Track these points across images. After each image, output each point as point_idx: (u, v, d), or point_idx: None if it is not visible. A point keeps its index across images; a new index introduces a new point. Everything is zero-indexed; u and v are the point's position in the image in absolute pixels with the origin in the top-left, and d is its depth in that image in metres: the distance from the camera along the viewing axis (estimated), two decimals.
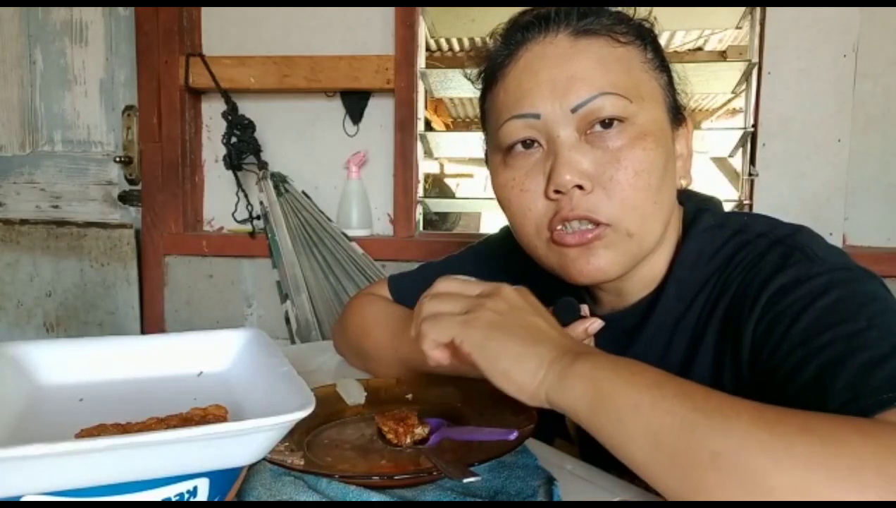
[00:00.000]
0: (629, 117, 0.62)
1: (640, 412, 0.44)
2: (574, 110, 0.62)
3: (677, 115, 0.69)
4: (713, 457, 0.40)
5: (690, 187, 0.74)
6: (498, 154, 0.68)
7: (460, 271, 0.91)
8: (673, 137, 0.68)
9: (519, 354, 0.52)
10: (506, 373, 0.52)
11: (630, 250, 0.64)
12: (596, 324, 0.64)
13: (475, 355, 0.53)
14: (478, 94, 0.73)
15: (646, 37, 0.67)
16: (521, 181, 0.65)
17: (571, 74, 0.62)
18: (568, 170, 0.61)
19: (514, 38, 0.66)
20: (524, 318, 0.55)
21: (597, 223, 0.62)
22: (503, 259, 0.90)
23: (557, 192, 0.63)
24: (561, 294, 0.70)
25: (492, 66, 0.68)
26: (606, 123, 0.62)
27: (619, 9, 0.67)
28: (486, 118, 0.72)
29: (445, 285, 0.61)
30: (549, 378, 0.50)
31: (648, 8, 0.69)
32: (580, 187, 0.62)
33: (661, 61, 0.69)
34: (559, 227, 0.63)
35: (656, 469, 0.44)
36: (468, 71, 0.74)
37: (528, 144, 0.65)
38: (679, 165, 0.69)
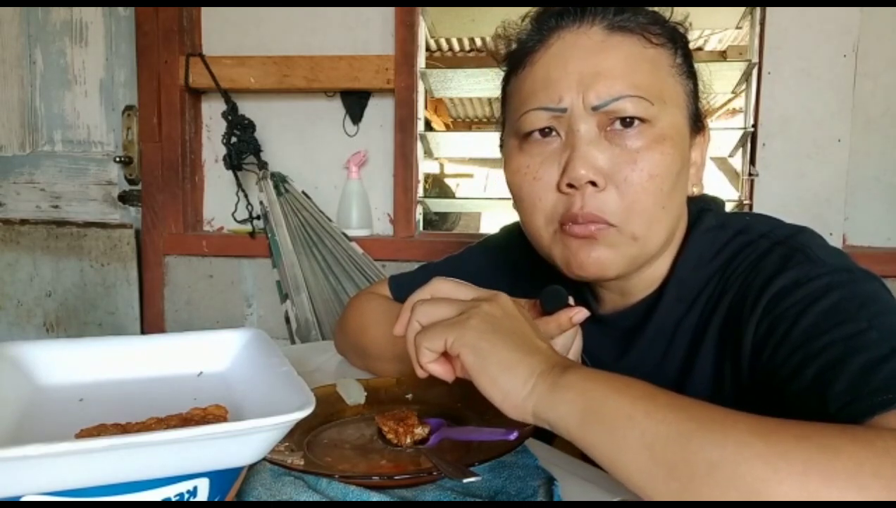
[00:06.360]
0: (650, 119, 0.62)
1: (634, 422, 0.43)
2: (595, 109, 0.62)
3: (697, 122, 0.69)
4: (710, 468, 0.40)
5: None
6: (514, 139, 0.68)
7: (460, 271, 0.92)
8: (690, 145, 0.68)
9: (510, 361, 0.50)
10: (494, 379, 0.50)
11: (631, 252, 0.64)
12: (581, 313, 0.62)
13: (464, 356, 0.51)
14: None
15: (678, 41, 0.67)
16: (535, 169, 0.65)
17: (599, 69, 0.62)
18: (583, 165, 0.61)
19: (547, 24, 0.66)
20: (518, 327, 0.54)
21: (603, 223, 0.62)
22: (504, 259, 0.90)
23: (570, 186, 0.62)
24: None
25: (521, 48, 0.67)
26: (627, 122, 0.62)
27: (656, 9, 0.67)
28: (508, 101, 0.71)
29: (440, 287, 0.59)
30: (539, 390, 0.48)
31: (686, 11, 0.68)
32: (593, 184, 0.61)
33: (690, 68, 0.68)
34: (568, 224, 0.63)
35: (653, 482, 0.42)
36: (494, 51, 0.72)
37: (546, 131, 0.65)
38: (692, 173, 0.69)
